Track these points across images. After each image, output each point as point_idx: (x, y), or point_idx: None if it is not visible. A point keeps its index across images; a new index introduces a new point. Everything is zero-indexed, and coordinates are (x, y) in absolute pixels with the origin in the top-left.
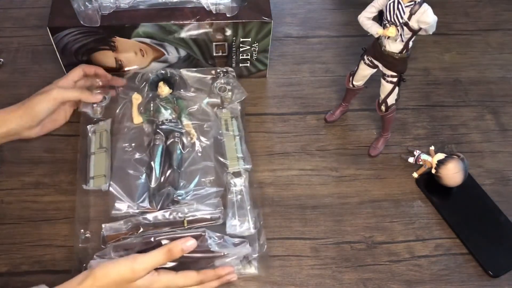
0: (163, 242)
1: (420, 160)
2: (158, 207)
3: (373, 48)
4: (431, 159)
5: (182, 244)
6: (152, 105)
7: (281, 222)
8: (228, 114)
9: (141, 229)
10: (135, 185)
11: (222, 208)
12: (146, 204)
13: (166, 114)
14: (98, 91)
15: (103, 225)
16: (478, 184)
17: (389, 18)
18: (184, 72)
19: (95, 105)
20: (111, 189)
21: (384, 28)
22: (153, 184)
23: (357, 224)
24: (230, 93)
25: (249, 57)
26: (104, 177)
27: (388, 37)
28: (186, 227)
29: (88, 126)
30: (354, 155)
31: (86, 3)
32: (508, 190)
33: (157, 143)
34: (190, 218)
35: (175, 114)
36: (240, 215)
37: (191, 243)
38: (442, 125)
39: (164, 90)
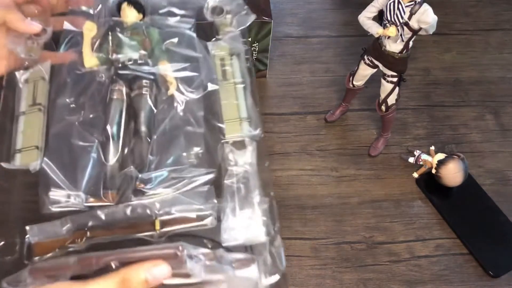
0: (114, 264)
1: (420, 160)
2: (116, 199)
3: (373, 48)
4: (431, 159)
5: (147, 271)
6: (111, 38)
7: (281, 222)
8: (226, 50)
9: (88, 234)
10: (82, 164)
11: (216, 201)
12: (98, 193)
13: (130, 51)
14: (36, 20)
15: (27, 227)
16: (478, 184)
17: (389, 18)
18: None
19: (29, 41)
20: (44, 168)
21: (384, 28)
22: (110, 162)
23: (357, 224)
24: (229, 16)
25: (249, 57)
26: (37, 150)
27: (389, 37)
28: (158, 232)
29: (17, 73)
30: (354, 155)
31: None
32: (508, 190)
33: (114, 96)
34: (165, 217)
35: (145, 51)
36: (243, 212)
37: (161, 271)
38: (442, 125)
39: (129, 15)
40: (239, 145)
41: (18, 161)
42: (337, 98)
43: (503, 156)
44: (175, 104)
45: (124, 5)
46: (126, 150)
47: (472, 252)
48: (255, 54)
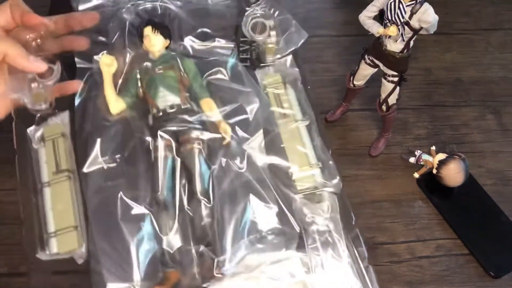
0: None
1: (421, 160)
2: (183, 279)
3: (374, 48)
4: (432, 159)
5: None
6: (138, 75)
7: None
8: (278, 78)
9: None
10: (135, 243)
11: (305, 275)
12: (158, 276)
13: (169, 93)
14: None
15: None
16: (479, 184)
17: (390, 18)
18: (185, 4)
19: (34, 85)
20: (92, 256)
21: (385, 28)
22: (167, 235)
23: (357, 224)
24: (273, 32)
25: (249, 56)
26: (76, 232)
27: (389, 37)
28: None
29: (28, 130)
30: (354, 155)
31: None
32: (509, 191)
33: (161, 154)
34: None
35: (186, 92)
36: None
37: None
38: (443, 125)
39: (156, 43)
40: (315, 197)
41: (55, 248)
42: (338, 98)
43: (504, 156)
44: (233, 156)
45: (148, 31)
46: (183, 218)
47: (472, 252)
48: (255, 53)
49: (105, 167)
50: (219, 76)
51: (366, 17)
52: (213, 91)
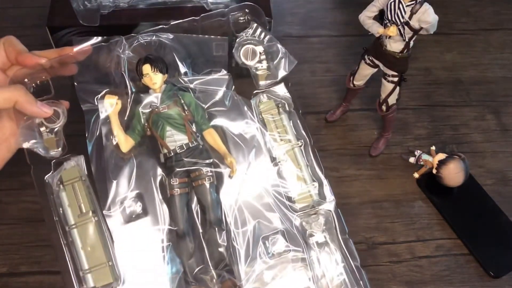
0: None
1: (421, 160)
2: None
3: (374, 48)
4: (432, 159)
5: None
6: (142, 113)
7: None
8: (272, 104)
9: None
10: (162, 270)
11: (308, 280)
12: None
13: (176, 133)
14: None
15: None
16: (479, 184)
17: (390, 18)
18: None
19: (43, 129)
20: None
21: (385, 28)
22: (187, 260)
23: (357, 224)
24: (264, 57)
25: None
26: (109, 267)
27: (389, 37)
28: None
29: (46, 177)
30: (354, 155)
31: (85, 2)
32: (509, 191)
33: (176, 192)
34: None
35: (190, 128)
36: None
37: None
38: (443, 125)
39: (156, 80)
40: (312, 213)
41: (92, 283)
42: (338, 98)
43: (504, 156)
44: (240, 185)
45: (147, 69)
46: (200, 245)
47: (472, 252)
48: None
49: (125, 206)
50: (218, 107)
51: (366, 17)
52: (214, 123)
